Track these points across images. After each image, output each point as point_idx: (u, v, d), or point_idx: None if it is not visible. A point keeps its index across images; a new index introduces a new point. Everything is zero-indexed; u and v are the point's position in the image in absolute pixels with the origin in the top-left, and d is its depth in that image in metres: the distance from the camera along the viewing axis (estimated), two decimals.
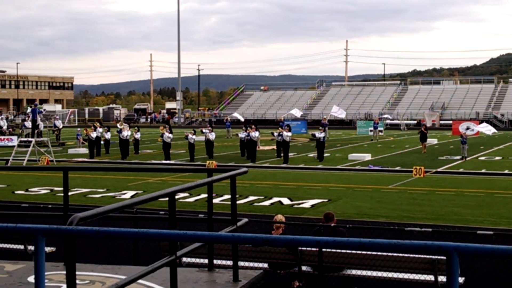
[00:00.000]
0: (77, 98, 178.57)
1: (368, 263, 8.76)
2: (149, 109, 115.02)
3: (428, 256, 8.29)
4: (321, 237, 3.23)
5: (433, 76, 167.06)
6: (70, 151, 37.80)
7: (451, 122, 65.55)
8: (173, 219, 5.22)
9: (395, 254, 8.35)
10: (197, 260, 9.09)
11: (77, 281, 4.14)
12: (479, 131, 44.22)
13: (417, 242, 3.06)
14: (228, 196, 15.16)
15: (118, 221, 9.91)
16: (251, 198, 18.66)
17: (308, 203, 17.76)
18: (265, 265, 9.39)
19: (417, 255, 8.27)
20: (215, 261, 7.10)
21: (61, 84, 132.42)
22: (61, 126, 50.03)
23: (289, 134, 30.74)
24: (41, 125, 37.83)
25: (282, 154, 30.54)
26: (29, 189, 21.05)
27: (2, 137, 43.79)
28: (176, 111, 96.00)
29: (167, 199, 5.18)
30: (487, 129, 39.16)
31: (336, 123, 76.97)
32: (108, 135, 36.82)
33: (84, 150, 36.35)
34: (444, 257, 3.03)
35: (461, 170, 26.44)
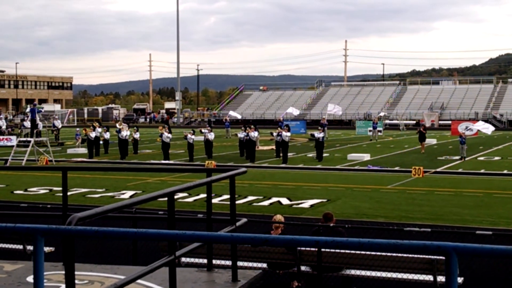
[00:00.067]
0: (76, 98, 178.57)
1: (367, 263, 8.77)
2: (148, 109, 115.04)
3: (427, 256, 8.29)
4: (320, 237, 3.23)
5: (432, 76, 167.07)
6: (69, 151, 37.79)
7: (450, 122, 65.58)
8: (172, 219, 5.22)
9: (394, 254, 8.36)
10: (196, 260, 9.09)
11: (76, 281, 4.14)
12: (478, 130, 44.22)
13: (416, 242, 3.06)
14: (227, 196, 15.17)
15: (117, 221, 9.91)
16: (250, 198, 18.66)
17: (307, 203, 17.76)
18: (264, 265, 9.39)
19: (416, 255, 8.27)
20: (214, 261, 7.10)
21: (60, 84, 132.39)
22: (60, 126, 50.00)
23: (288, 134, 30.74)
24: (40, 125, 37.81)
25: (281, 154, 30.54)
26: (28, 189, 21.04)
27: (1, 137, 43.74)
28: (175, 111, 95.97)
29: (166, 199, 5.18)
30: (486, 128, 39.20)
31: (335, 123, 76.99)
32: (107, 135, 36.81)
33: (83, 150, 36.35)
34: (443, 257, 3.03)
35: (460, 170, 26.45)
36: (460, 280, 8.63)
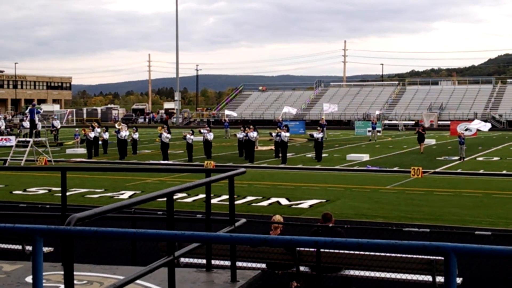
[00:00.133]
0: (75, 98, 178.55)
1: (366, 263, 8.77)
2: (147, 109, 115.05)
3: (426, 257, 8.29)
4: (319, 237, 3.23)
5: (431, 76, 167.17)
6: (68, 151, 37.79)
7: (449, 122, 65.62)
8: (171, 219, 5.22)
9: (393, 255, 8.36)
10: (195, 261, 9.09)
11: (75, 281, 4.14)
12: (477, 130, 44.27)
13: (415, 242, 3.06)
14: (226, 196, 15.18)
15: (116, 221, 9.91)
16: (249, 198, 18.66)
17: (306, 204, 17.76)
18: (263, 266, 9.39)
19: (415, 256, 8.28)
20: (213, 262, 7.10)
21: (59, 84, 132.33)
22: (59, 126, 49.99)
23: (287, 134, 30.75)
24: (39, 125, 37.80)
25: (280, 155, 30.55)
26: (27, 189, 21.03)
27: (0, 137, 43.74)
28: (174, 111, 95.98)
29: (165, 199, 5.18)
30: (483, 126, 39.28)
31: (335, 123, 77.03)
32: (106, 135, 36.81)
33: (82, 150, 36.35)
34: (442, 258, 3.03)
35: (459, 170, 26.47)
36: (459, 280, 8.63)
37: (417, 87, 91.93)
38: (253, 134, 31.53)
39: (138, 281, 5.13)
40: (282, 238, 3.35)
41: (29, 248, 9.71)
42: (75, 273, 4.05)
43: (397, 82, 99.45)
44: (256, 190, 20.33)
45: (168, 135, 32.28)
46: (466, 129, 43.76)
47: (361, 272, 9.01)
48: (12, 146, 33.54)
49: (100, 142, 36.08)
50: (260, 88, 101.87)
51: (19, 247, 9.99)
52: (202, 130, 34.07)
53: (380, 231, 11.26)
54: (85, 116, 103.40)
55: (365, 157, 31.62)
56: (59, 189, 7.63)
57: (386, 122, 72.76)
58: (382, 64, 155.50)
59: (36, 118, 34.56)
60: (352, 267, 9.05)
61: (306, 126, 61.71)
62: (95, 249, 11.32)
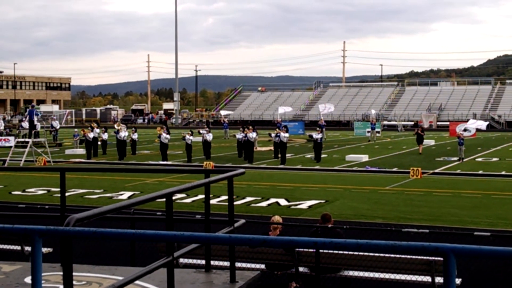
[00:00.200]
0: (74, 98, 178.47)
1: (365, 264, 8.77)
2: (147, 110, 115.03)
3: (425, 257, 8.29)
4: (318, 238, 3.23)
5: (430, 77, 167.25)
6: (67, 151, 37.78)
7: (448, 123, 65.65)
8: (170, 220, 5.22)
9: (392, 255, 8.36)
10: (194, 261, 9.09)
11: (74, 282, 4.14)
12: (476, 131, 44.30)
13: (414, 243, 3.06)
14: (225, 197, 15.17)
15: (115, 222, 9.91)
16: (248, 199, 18.67)
17: (305, 204, 17.77)
18: (262, 266, 9.39)
19: (414, 256, 8.28)
20: (212, 262, 7.09)
21: (59, 84, 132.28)
22: (58, 127, 49.98)
23: (287, 135, 30.76)
24: (38, 126, 37.79)
25: (279, 155, 30.55)
26: (26, 190, 21.03)
27: None
28: (174, 111, 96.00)
29: (164, 200, 5.18)
30: (480, 125, 39.34)
31: (334, 124, 77.05)
32: (105, 136, 36.81)
33: (82, 151, 36.34)
34: (441, 258, 3.03)
35: (458, 171, 26.48)
36: (458, 281, 8.64)
37: (416, 88, 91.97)
38: (252, 135, 31.54)
39: (137, 282, 5.13)
40: (281, 238, 3.35)
41: (28, 248, 9.71)
42: (74, 273, 4.04)
43: (396, 83, 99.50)
44: (255, 191, 20.33)
45: (167, 136, 32.28)
46: (465, 130, 43.78)
47: (360, 273, 9.01)
48: (11, 147, 33.54)
49: (99, 143, 36.09)
50: (259, 88, 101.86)
51: (18, 247, 9.98)
52: (201, 131, 34.08)
53: (379, 232, 11.27)
54: (84, 116, 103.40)
55: (364, 157, 31.63)
56: (58, 189, 7.63)
57: (385, 122, 72.78)
58: (381, 65, 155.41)
59: (35, 119, 34.57)
60: (351, 268, 9.05)
61: (305, 126, 61.71)
62: (94, 249, 11.32)
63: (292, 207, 17.44)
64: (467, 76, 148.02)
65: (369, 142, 46.01)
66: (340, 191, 20.68)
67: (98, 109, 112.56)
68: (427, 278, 8.50)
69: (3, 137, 43.97)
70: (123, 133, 34.20)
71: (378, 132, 52.84)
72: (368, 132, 51.32)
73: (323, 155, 31.97)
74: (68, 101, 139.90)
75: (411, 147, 39.72)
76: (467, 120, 60.89)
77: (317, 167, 28.35)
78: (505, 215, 16.09)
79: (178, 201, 17.58)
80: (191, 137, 31.92)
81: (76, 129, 45.69)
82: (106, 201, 18.35)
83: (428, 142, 43.30)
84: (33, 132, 33.22)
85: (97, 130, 35.97)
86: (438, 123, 75.82)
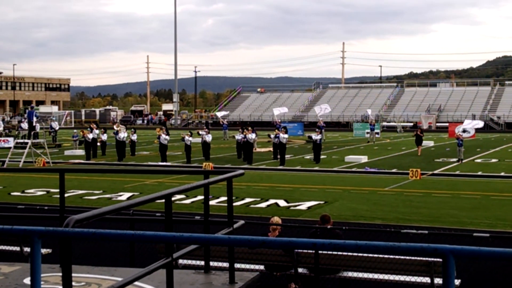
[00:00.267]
0: (73, 99, 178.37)
1: (364, 265, 8.77)
2: (146, 111, 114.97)
3: (424, 258, 8.29)
4: (318, 239, 3.23)
5: (430, 78, 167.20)
6: (67, 152, 37.77)
7: (447, 124, 65.67)
8: (169, 221, 5.22)
9: (392, 256, 8.36)
10: (194, 262, 9.09)
11: (73, 283, 4.14)
12: (475, 129, 44.36)
13: (413, 244, 3.06)
14: (225, 198, 15.17)
15: (115, 223, 9.90)
16: (247, 200, 18.67)
17: (304, 205, 17.77)
18: (262, 267, 9.39)
19: (413, 257, 8.28)
20: (211, 263, 7.10)
21: (58, 85, 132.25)
22: (57, 128, 50.00)
23: (286, 136, 30.77)
24: (37, 127, 37.81)
25: (278, 156, 30.55)
26: (25, 191, 21.02)
27: None
28: (173, 113, 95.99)
29: (163, 201, 5.18)
30: (476, 124, 39.41)
31: (333, 125, 77.04)
32: (104, 137, 36.79)
33: (81, 152, 36.33)
34: (440, 260, 3.03)
35: (457, 172, 26.49)
36: (457, 282, 8.64)
37: (415, 89, 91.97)
38: (251, 136, 31.55)
39: (136, 283, 5.12)
40: (280, 240, 3.35)
41: (27, 249, 9.70)
42: (73, 274, 4.04)
43: (395, 84, 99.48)
44: (254, 192, 20.33)
45: (167, 137, 32.27)
46: (464, 131, 43.83)
47: (360, 274, 9.01)
48: (10, 148, 33.53)
49: (98, 144, 36.07)
50: (259, 89, 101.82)
51: (17, 248, 9.98)
52: (200, 132, 34.08)
53: (379, 233, 11.28)
54: (83, 117, 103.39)
55: (364, 158, 31.63)
56: (58, 190, 7.63)
57: (385, 123, 72.78)
58: (381, 66, 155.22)
59: (34, 120, 34.58)
60: (351, 269, 9.05)
61: (305, 127, 61.71)
62: (94, 250, 11.31)
63: (291, 208, 17.44)
64: (466, 77, 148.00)
65: (369, 143, 46.02)
66: (339, 192, 20.69)
67: (97, 110, 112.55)
68: (426, 279, 8.50)
69: (3, 138, 43.96)
70: (123, 134, 34.20)
71: (377, 133, 52.83)
72: (368, 133, 51.34)
73: (322, 156, 31.97)
74: (67, 102, 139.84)
75: (410, 148, 39.72)
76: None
77: (316, 168, 28.36)
78: (504, 216, 16.10)
79: (177, 202, 17.58)
80: (190, 138, 31.93)
81: (75, 130, 45.68)
82: (105, 202, 18.35)
83: (427, 143, 43.31)
84: (32, 133, 33.22)
85: (97, 131, 35.95)
86: (437, 124, 75.84)
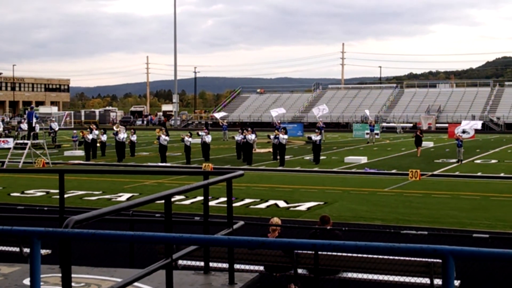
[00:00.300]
0: (73, 100, 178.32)
1: (364, 266, 8.77)
2: (146, 112, 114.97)
3: (424, 259, 8.29)
4: (317, 240, 3.23)
5: (429, 79, 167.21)
6: (66, 153, 37.76)
7: (447, 125, 65.67)
8: (169, 221, 5.22)
9: (391, 257, 8.36)
10: (193, 263, 9.09)
11: (73, 284, 4.14)
12: (475, 133, 44.39)
13: (413, 245, 3.06)
14: (224, 199, 15.16)
15: (114, 223, 9.90)
16: (247, 200, 18.66)
17: (304, 206, 17.76)
18: (261, 268, 9.39)
19: (413, 258, 8.28)
20: (211, 264, 7.09)
21: (57, 86, 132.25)
22: (57, 128, 49.99)
23: (285, 136, 30.77)
24: (37, 127, 37.78)
25: (278, 157, 30.55)
26: (25, 191, 21.01)
27: None
28: (173, 113, 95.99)
29: (163, 201, 5.18)
30: (474, 124, 39.39)
31: (333, 126, 77.05)
32: (104, 138, 36.79)
33: (80, 153, 36.33)
34: (440, 260, 3.03)
35: (457, 173, 26.49)
36: (457, 283, 8.64)
37: (415, 90, 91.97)
38: (251, 137, 31.55)
39: (136, 284, 5.12)
40: (280, 240, 3.35)
41: (26, 250, 9.70)
42: (72, 275, 4.04)
43: (395, 85, 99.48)
44: (254, 193, 20.33)
45: (167, 138, 32.27)
46: (464, 132, 43.82)
47: (359, 275, 9.01)
48: (10, 148, 33.51)
49: (98, 144, 36.07)
50: (258, 90, 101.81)
51: (17, 249, 9.97)
52: (200, 133, 34.08)
53: (378, 234, 11.27)
54: (83, 118, 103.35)
55: (363, 159, 31.64)
56: (57, 191, 7.62)
57: (384, 124, 72.78)
58: (380, 67, 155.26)
59: (34, 121, 34.57)
60: (350, 270, 9.05)
61: (304, 128, 61.71)
62: (93, 251, 11.31)
63: (291, 209, 17.44)
64: (466, 78, 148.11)
65: (368, 144, 46.02)
66: (339, 193, 20.68)
67: (97, 111, 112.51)
68: (426, 280, 8.50)
69: (2, 139, 43.96)
70: (122, 135, 34.20)
71: (377, 134, 52.84)
72: (367, 134, 51.34)
73: (322, 157, 31.97)
74: (67, 102, 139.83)
75: (410, 149, 39.71)
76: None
77: (316, 169, 28.35)
78: (504, 217, 16.10)
79: (177, 203, 17.57)
80: (190, 139, 31.93)
81: (75, 131, 45.65)
82: (105, 203, 18.34)
83: (427, 144, 43.31)
84: (32, 133, 33.20)
85: (96, 132, 35.94)
86: (437, 125, 75.85)
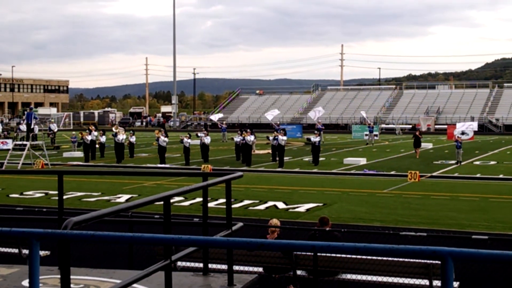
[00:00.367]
0: (72, 101, 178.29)
1: (363, 267, 8.77)
2: (145, 113, 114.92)
3: (423, 261, 8.29)
4: (316, 241, 3.23)
5: (428, 80, 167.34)
6: (65, 154, 37.73)
7: (446, 126, 65.69)
8: (168, 223, 5.21)
9: (390, 259, 8.36)
10: (192, 264, 9.08)
11: (72, 285, 4.14)
12: (474, 134, 44.41)
13: (412, 247, 3.06)
14: (223, 200, 15.16)
15: (113, 225, 9.89)
16: (246, 202, 18.66)
17: (303, 207, 17.76)
18: (260, 269, 9.39)
19: (412, 260, 8.28)
20: (210, 265, 7.09)
21: (57, 87, 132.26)
22: (56, 130, 49.98)
23: (285, 138, 30.77)
24: (36, 129, 37.78)
25: (277, 158, 30.56)
26: (24, 193, 21.00)
27: None
28: (172, 114, 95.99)
29: (162, 203, 5.17)
30: (470, 126, 39.49)
31: (332, 127, 77.06)
32: (103, 139, 36.78)
33: (79, 154, 36.31)
34: (439, 262, 3.03)
35: (456, 174, 26.49)
36: (456, 284, 8.64)
37: (414, 91, 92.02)
38: (250, 138, 31.55)
39: (135, 285, 5.12)
40: (279, 242, 3.35)
41: (25, 251, 9.69)
42: (71, 277, 4.04)
43: (394, 86, 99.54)
44: (253, 194, 20.33)
45: (166, 139, 32.27)
46: (463, 133, 43.86)
47: (358, 276, 9.01)
48: (9, 150, 33.49)
49: (97, 146, 36.05)
50: (258, 91, 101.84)
51: (16, 250, 9.97)
52: (199, 134, 34.07)
53: (377, 235, 11.27)
54: (82, 119, 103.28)
55: (362, 161, 31.64)
56: (56, 192, 7.62)
57: (383, 126, 72.78)
58: (379, 68, 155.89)
59: (33, 122, 34.56)
60: (349, 271, 9.05)
61: (303, 130, 61.71)
62: (92, 252, 11.30)
63: (290, 210, 17.44)
64: (465, 79, 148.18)
65: (367, 145, 46.02)
66: (338, 194, 20.68)
67: (96, 112, 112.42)
68: (425, 282, 8.49)
69: (1, 140, 43.91)
70: (121, 136, 34.18)
71: (376, 135, 52.84)
72: (366, 135, 51.35)
73: (321, 158, 31.97)
74: (66, 104, 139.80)
75: (409, 150, 39.70)
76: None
77: (315, 170, 28.35)
78: (503, 218, 16.10)
79: (176, 204, 17.57)
80: (189, 140, 31.93)
81: (74, 132, 45.64)
82: (104, 204, 18.33)
83: (426, 145, 43.32)
84: (31, 134, 33.19)
85: (95, 133, 35.93)
86: (436, 126, 75.87)
